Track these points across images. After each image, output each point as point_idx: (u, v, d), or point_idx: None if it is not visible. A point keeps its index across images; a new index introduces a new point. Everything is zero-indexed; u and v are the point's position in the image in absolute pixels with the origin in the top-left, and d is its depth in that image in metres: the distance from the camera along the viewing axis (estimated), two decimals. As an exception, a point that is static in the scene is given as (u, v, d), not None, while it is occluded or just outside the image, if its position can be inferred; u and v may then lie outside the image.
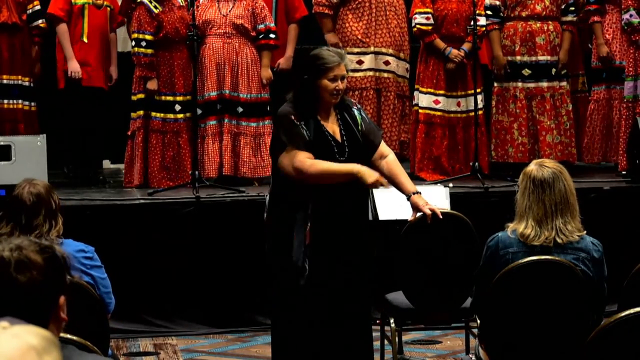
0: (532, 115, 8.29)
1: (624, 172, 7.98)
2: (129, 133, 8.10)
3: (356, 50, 8.25)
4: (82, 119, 8.23)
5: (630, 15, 8.25)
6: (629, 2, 8.26)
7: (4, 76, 8.23)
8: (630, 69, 8.25)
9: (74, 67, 8.14)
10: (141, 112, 8.02)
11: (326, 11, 8.30)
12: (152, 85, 7.94)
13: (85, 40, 8.20)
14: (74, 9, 8.19)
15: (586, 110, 8.74)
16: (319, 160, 4.97)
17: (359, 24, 8.27)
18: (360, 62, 8.23)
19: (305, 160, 4.94)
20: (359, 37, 8.26)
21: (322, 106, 5.08)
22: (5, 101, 8.24)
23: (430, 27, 8.19)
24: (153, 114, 8.00)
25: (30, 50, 8.35)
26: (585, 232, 4.51)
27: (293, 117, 5.00)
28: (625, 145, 8.06)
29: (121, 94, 8.25)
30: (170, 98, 8.02)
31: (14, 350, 1.91)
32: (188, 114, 8.01)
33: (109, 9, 8.32)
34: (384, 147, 5.29)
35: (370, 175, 4.91)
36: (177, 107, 8.02)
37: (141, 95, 8.02)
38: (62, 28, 8.18)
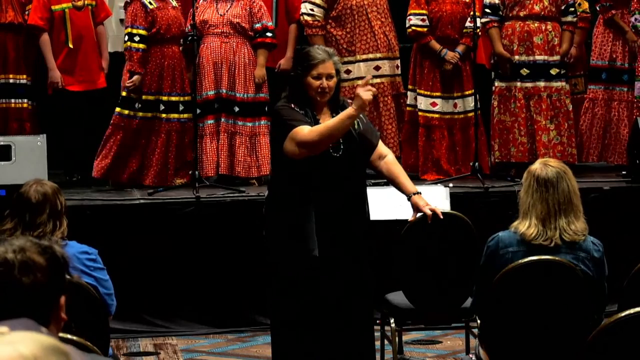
0: (530, 114, 8.29)
1: (624, 172, 7.98)
2: (111, 123, 7.99)
3: (343, 60, 8.08)
4: (74, 123, 8.19)
5: (635, 19, 8.23)
6: (635, 5, 8.23)
7: (11, 75, 8.23)
8: None
9: (54, 77, 8.10)
10: (125, 112, 7.94)
11: (319, 32, 8.20)
12: (136, 81, 7.83)
13: (70, 46, 8.14)
14: (54, 15, 8.11)
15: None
16: (316, 126, 4.94)
17: (342, 32, 8.16)
18: (348, 72, 8.07)
19: (303, 130, 4.90)
20: (344, 46, 8.15)
21: (315, 104, 5.07)
22: (13, 100, 8.24)
23: (425, 29, 8.17)
24: (147, 113, 7.93)
25: (32, 49, 8.35)
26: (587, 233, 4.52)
27: (293, 105, 5.01)
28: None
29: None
30: (162, 97, 7.97)
31: (3, 358, 1.89)
32: (185, 115, 7.98)
33: (90, 7, 8.23)
34: (382, 148, 5.28)
35: (360, 104, 4.82)
36: (162, 107, 7.97)
37: (132, 95, 7.95)
38: (44, 38, 8.11)
